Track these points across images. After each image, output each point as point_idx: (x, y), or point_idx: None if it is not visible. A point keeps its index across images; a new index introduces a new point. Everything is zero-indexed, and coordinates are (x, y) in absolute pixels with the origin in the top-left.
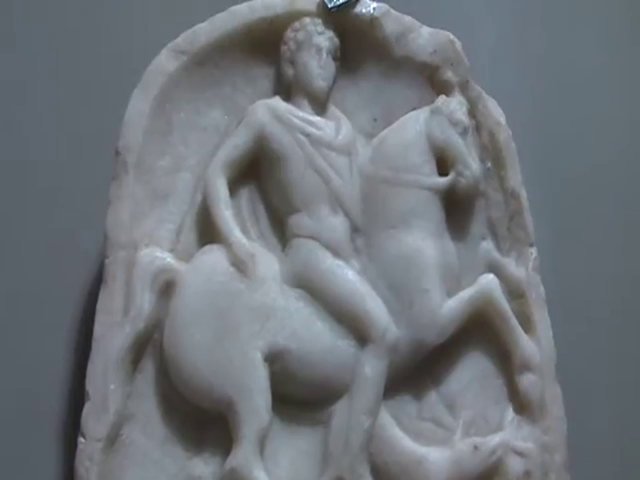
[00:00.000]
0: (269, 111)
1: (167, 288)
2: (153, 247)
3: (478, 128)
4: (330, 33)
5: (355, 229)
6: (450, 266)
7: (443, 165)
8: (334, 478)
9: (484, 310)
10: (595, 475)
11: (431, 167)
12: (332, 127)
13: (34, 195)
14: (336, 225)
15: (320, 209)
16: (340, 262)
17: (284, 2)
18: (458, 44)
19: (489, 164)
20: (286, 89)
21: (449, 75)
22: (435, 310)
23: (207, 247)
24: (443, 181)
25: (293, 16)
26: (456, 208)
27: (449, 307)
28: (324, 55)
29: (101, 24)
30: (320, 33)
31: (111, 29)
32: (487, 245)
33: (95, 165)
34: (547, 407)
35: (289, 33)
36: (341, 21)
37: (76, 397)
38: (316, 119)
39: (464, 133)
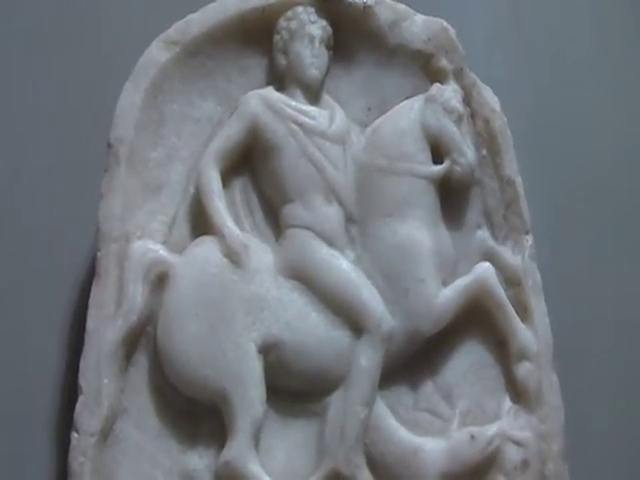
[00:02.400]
0: (262, 101)
1: (160, 280)
2: (146, 239)
3: (473, 116)
4: (323, 22)
5: (349, 219)
6: (445, 255)
7: (438, 153)
8: (330, 470)
9: (480, 299)
10: (593, 464)
11: (426, 155)
12: (326, 116)
13: (26, 188)
14: (330, 215)
15: (314, 199)
16: (335, 252)
17: None
18: (452, 31)
19: (484, 152)
20: (279, 79)
21: (443, 63)
22: (431, 299)
23: (200, 239)
24: (438, 169)
25: (286, 5)
26: (451, 196)
27: (445, 296)
28: (317, 44)
29: (92, 15)
30: (313, 22)
31: (102, 20)
32: (483, 233)
33: (87, 158)
34: (544, 396)
35: (282, 22)
36: (334, 10)
37: (69, 392)
38: (309, 108)
39: (459, 121)
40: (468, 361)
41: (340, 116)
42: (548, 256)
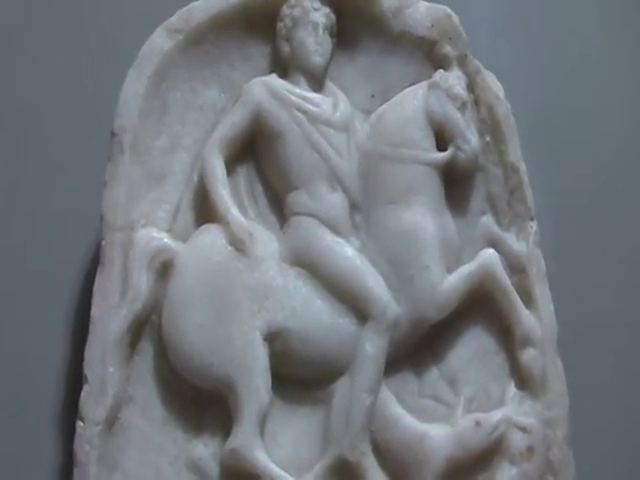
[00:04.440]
0: (266, 88)
1: (165, 269)
2: (150, 228)
3: (477, 102)
4: (326, 9)
5: (354, 206)
6: (450, 242)
7: (442, 140)
8: (336, 457)
9: (485, 285)
10: (598, 450)
11: (430, 142)
12: (329, 104)
13: (30, 177)
14: (335, 202)
15: (318, 186)
16: (339, 239)
17: None
18: (455, 18)
19: (488, 138)
20: (283, 66)
21: (447, 49)
22: (435, 286)
23: (204, 227)
24: (442, 156)
25: None
26: (455, 183)
27: (449, 283)
28: (320, 31)
29: (96, 3)
30: (316, 9)
31: (106, 8)
32: (487, 220)
33: (91, 146)
34: (549, 382)
35: (285, 10)
36: None
37: (74, 381)
38: (313, 96)
39: (462, 107)
40: (473, 348)
41: (344, 103)
42: (552, 243)
